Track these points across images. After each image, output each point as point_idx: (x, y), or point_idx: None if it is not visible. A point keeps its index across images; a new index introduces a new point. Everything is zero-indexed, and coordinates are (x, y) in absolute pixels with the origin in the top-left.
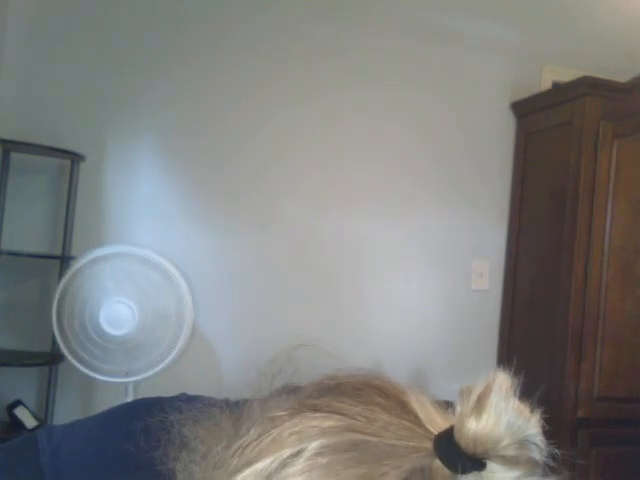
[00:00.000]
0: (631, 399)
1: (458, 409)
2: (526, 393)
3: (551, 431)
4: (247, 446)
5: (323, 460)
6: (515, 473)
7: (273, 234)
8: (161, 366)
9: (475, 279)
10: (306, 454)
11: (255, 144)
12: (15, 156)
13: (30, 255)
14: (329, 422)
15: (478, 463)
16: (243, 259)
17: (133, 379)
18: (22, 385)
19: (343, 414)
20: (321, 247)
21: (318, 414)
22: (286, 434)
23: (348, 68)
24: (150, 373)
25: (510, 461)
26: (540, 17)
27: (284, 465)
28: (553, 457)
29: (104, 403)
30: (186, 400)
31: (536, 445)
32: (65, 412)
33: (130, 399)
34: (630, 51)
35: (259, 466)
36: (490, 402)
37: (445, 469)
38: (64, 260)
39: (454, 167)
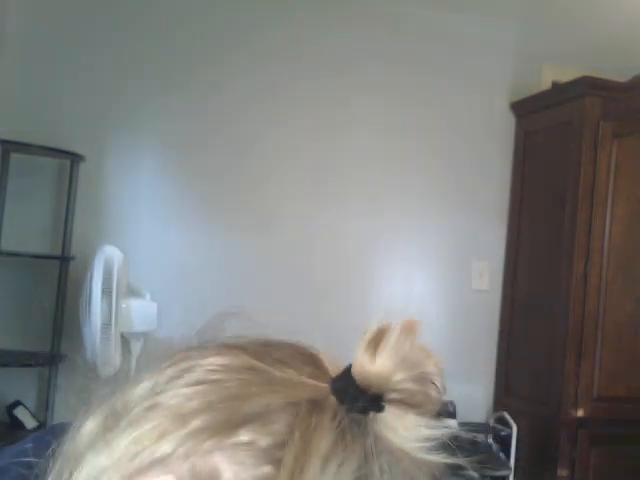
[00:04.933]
0: (631, 399)
1: (357, 346)
2: (526, 392)
3: (551, 431)
4: (143, 375)
5: (213, 376)
6: (415, 419)
7: (273, 234)
8: (92, 360)
9: (475, 279)
10: (197, 370)
11: (255, 144)
12: (15, 156)
13: (30, 255)
14: (227, 351)
15: (374, 402)
16: (243, 259)
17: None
18: (22, 385)
19: (245, 349)
20: (321, 247)
21: (222, 347)
22: (180, 358)
23: (348, 68)
24: (94, 366)
25: (406, 398)
26: (540, 17)
27: (172, 379)
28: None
29: None
30: None
31: (433, 383)
32: (65, 412)
33: None
34: (630, 51)
35: (147, 383)
36: (388, 337)
37: (337, 403)
38: (64, 260)
39: (454, 167)
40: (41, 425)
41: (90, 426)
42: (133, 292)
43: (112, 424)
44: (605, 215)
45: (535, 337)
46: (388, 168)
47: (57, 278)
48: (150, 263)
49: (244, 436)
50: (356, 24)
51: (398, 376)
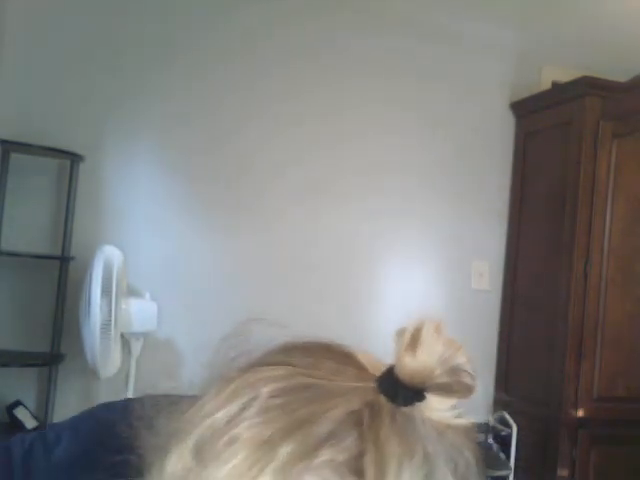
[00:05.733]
0: (631, 399)
1: (396, 348)
2: (526, 392)
3: (551, 431)
4: (206, 404)
5: (278, 401)
6: (452, 401)
7: (273, 234)
8: (92, 358)
9: (475, 279)
10: (261, 397)
11: (255, 144)
12: (15, 156)
13: (30, 255)
14: (280, 371)
15: (418, 394)
16: (243, 258)
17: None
18: (22, 385)
19: (292, 364)
20: (321, 247)
21: (269, 367)
22: (241, 386)
23: (348, 68)
24: (91, 363)
25: (445, 389)
26: (539, 17)
27: (242, 409)
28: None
29: None
30: (152, 399)
31: (467, 372)
32: (65, 412)
33: None
34: (630, 51)
35: (219, 415)
36: (423, 338)
37: (389, 402)
38: (64, 260)
39: (454, 167)
40: (41, 425)
41: (175, 462)
42: (133, 292)
43: (197, 460)
44: (605, 215)
45: (535, 337)
46: (388, 168)
47: (57, 278)
48: (150, 263)
49: (324, 455)
50: (357, 25)
51: (437, 371)
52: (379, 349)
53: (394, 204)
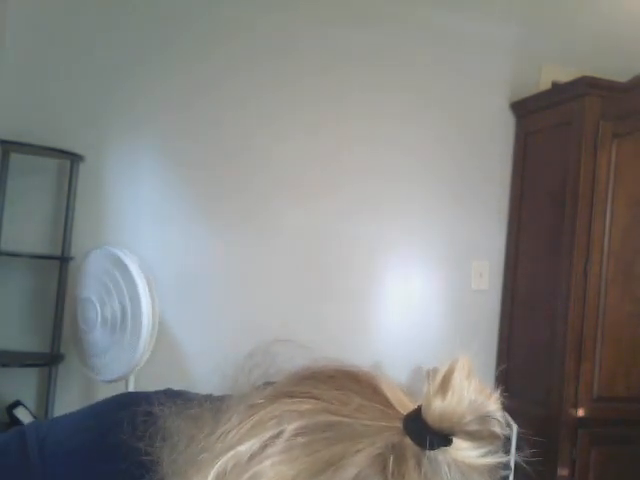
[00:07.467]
0: (631, 399)
1: (425, 389)
2: (526, 392)
3: (551, 431)
4: (229, 432)
5: (302, 440)
6: (479, 449)
7: (273, 234)
8: (125, 368)
9: (475, 279)
10: (285, 435)
11: (254, 144)
12: (15, 156)
13: (30, 255)
14: (306, 406)
15: (445, 439)
16: (243, 260)
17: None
18: (22, 385)
19: (319, 398)
20: (321, 248)
21: (295, 399)
22: (266, 418)
23: (348, 68)
24: (119, 375)
25: (474, 435)
26: (539, 17)
27: (265, 446)
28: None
29: None
30: (171, 395)
31: (497, 420)
32: (65, 412)
33: None
34: (630, 51)
35: (242, 448)
36: (454, 382)
37: (414, 445)
38: (64, 260)
39: (454, 167)
40: None
41: None
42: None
43: None
44: (605, 215)
45: (535, 337)
46: (388, 168)
47: (57, 278)
48: (150, 263)
49: None
50: (356, 23)
51: (467, 418)
52: (378, 348)
53: (394, 204)
